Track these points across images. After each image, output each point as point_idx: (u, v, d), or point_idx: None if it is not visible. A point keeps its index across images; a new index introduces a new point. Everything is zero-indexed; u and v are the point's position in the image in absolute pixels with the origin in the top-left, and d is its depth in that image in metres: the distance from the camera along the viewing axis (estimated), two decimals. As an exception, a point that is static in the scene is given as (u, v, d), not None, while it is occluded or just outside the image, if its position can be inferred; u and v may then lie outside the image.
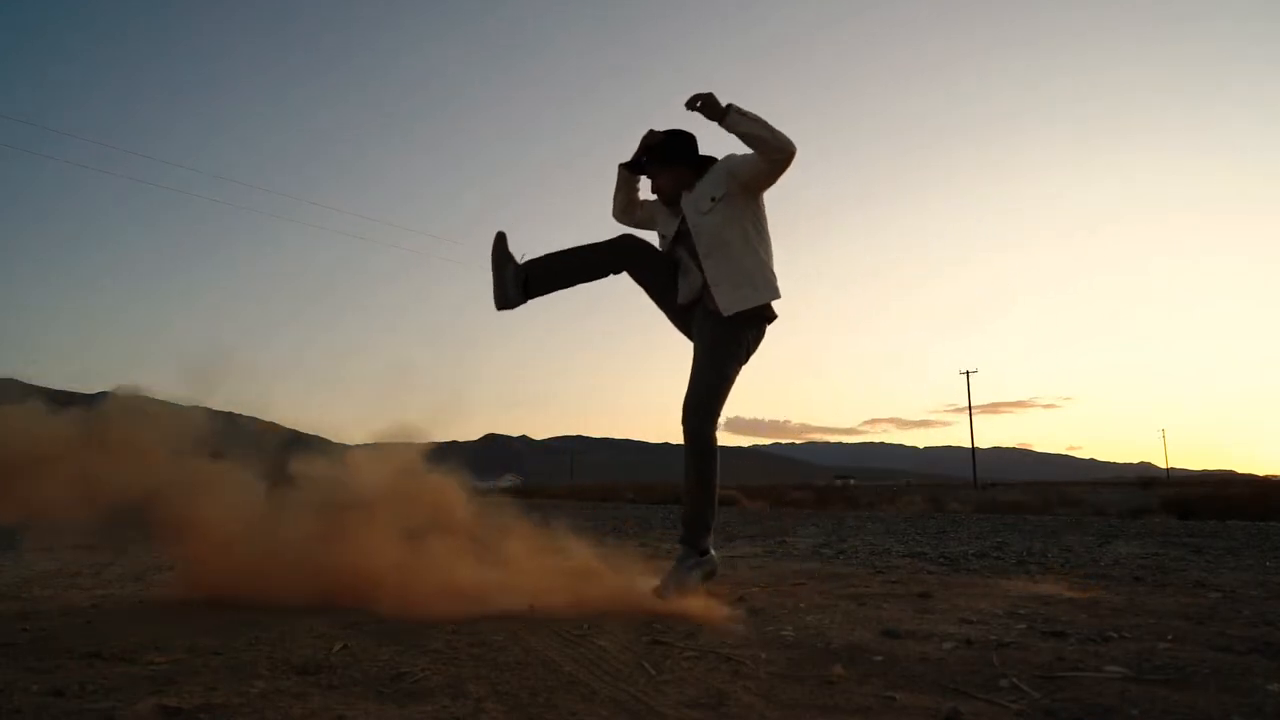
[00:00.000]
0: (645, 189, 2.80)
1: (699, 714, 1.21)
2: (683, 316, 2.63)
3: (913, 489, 29.51)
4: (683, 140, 2.64)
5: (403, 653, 1.60)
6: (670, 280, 2.62)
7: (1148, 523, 7.97)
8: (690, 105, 2.44)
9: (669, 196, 2.67)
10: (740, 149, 2.48)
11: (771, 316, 2.57)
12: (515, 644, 1.69)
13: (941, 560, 3.75)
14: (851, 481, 54.03)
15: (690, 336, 2.63)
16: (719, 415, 2.51)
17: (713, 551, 2.57)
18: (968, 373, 49.16)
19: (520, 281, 2.55)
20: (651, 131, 2.63)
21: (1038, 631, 1.81)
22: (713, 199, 2.52)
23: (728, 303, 2.48)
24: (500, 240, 2.59)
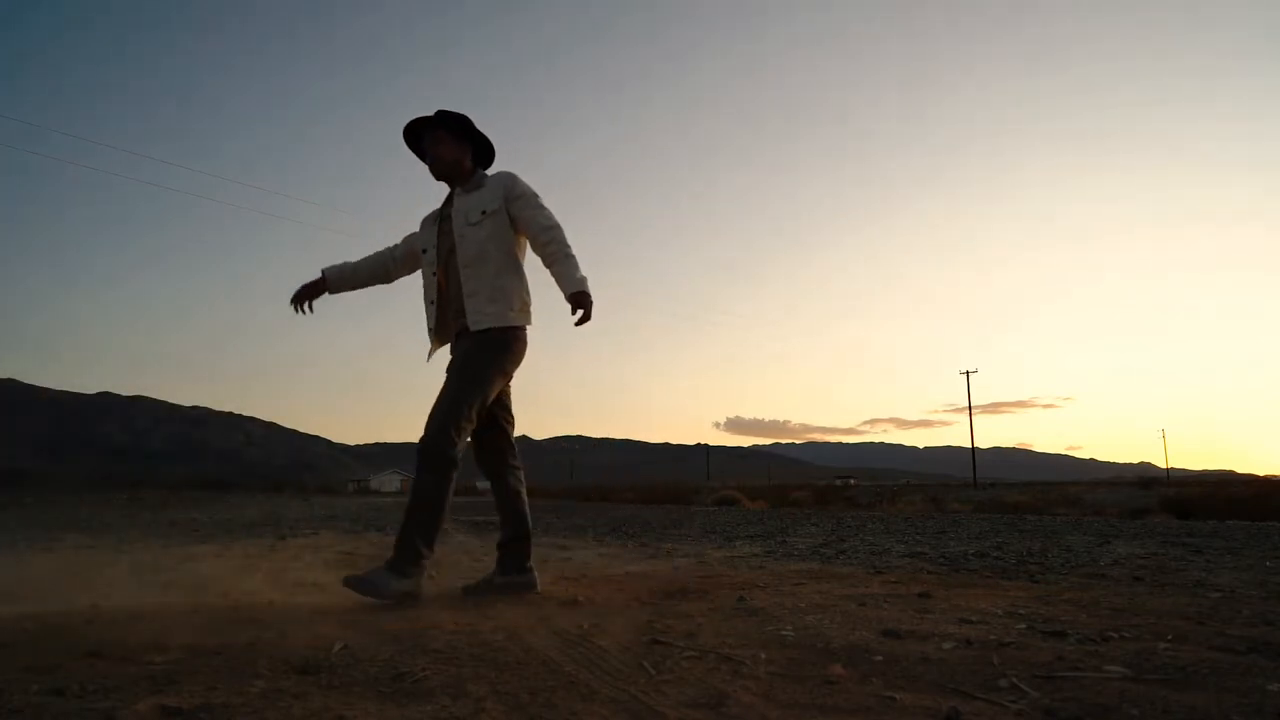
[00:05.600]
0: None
1: (699, 714, 1.21)
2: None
3: (913, 489, 29.51)
4: (468, 123, 2.58)
5: (403, 653, 1.60)
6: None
7: (1147, 523, 7.97)
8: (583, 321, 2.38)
9: (444, 170, 2.59)
10: (519, 173, 2.57)
11: (523, 338, 2.52)
12: (515, 644, 1.69)
13: (941, 560, 3.75)
14: (852, 481, 54.04)
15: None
16: (460, 433, 2.35)
17: (420, 587, 2.28)
18: (968, 373, 49.19)
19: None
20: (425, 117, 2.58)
21: (1038, 631, 1.81)
22: (484, 212, 2.50)
23: (479, 317, 2.43)
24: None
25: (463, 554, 4.20)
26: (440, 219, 2.61)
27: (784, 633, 1.82)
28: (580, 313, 2.36)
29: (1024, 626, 1.87)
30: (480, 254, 2.47)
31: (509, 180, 2.55)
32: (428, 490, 2.31)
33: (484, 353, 2.43)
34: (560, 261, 2.44)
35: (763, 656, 1.57)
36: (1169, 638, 1.72)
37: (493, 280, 2.46)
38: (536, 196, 2.54)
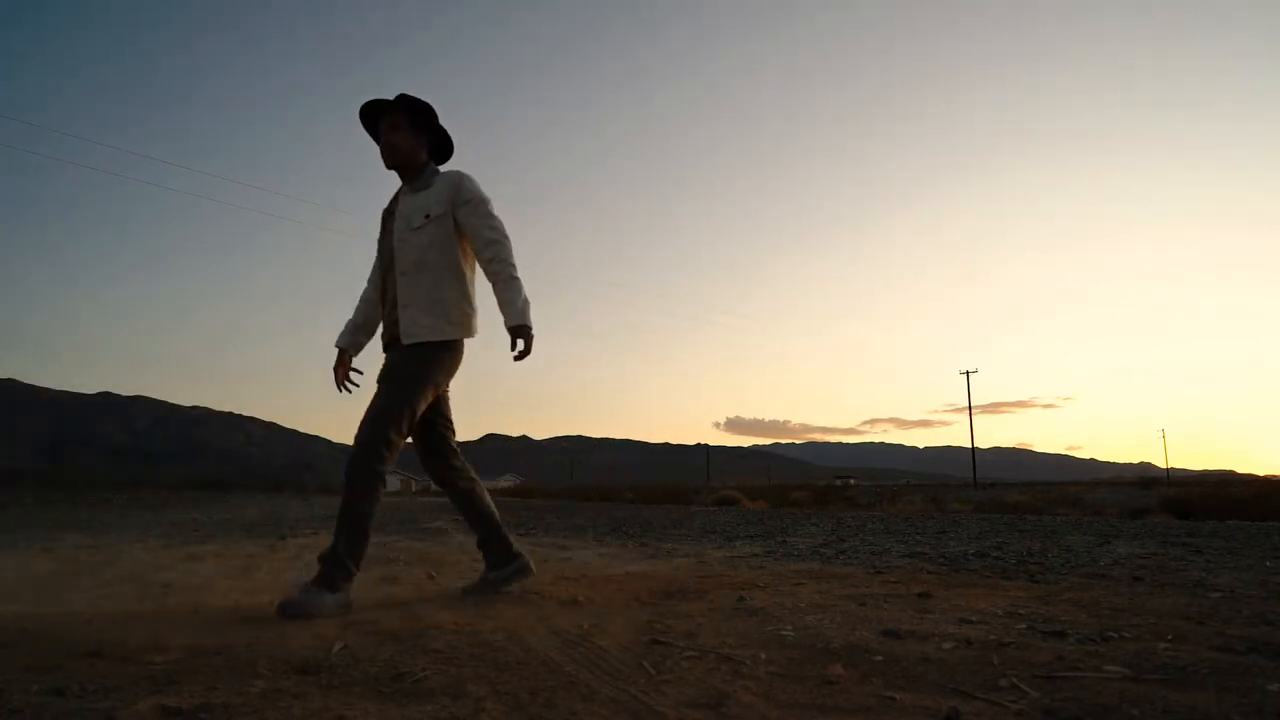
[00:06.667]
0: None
1: (699, 714, 1.21)
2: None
3: (913, 489, 29.51)
4: (431, 113, 2.43)
5: (403, 653, 1.60)
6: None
7: (1147, 523, 7.97)
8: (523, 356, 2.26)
9: (396, 160, 2.43)
10: (469, 172, 2.42)
11: (458, 351, 2.39)
12: (515, 644, 1.69)
13: (941, 560, 3.75)
14: (852, 481, 54.03)
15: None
16: (390, 447, 2.23)
17: (350, 597, 2.19)
18: (968, 373, 49.20)
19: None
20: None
21: (1038, 631, 1.81)
22: (427, 216, 2.34)
23: (413, 329, 2.29)
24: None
25: (462, 554, 4.19)
26: (385, 216, 2.49)
27: (784, 633, 1.82)
28: (520, 346, 2.24)
29: (1024, 626, 1.87)
30: (419, 261, 2.33)
31: (457, 181, 2.37)
32: (356, 508, 2.21)
33: (414, 366, 2.30)
34: (503, 283, 2.29)
35: (763, 656, 1.57)
36: (1169, 638, 1.72)
37: (430, 291, 2.32)
38: (486, 203, 2.37)
